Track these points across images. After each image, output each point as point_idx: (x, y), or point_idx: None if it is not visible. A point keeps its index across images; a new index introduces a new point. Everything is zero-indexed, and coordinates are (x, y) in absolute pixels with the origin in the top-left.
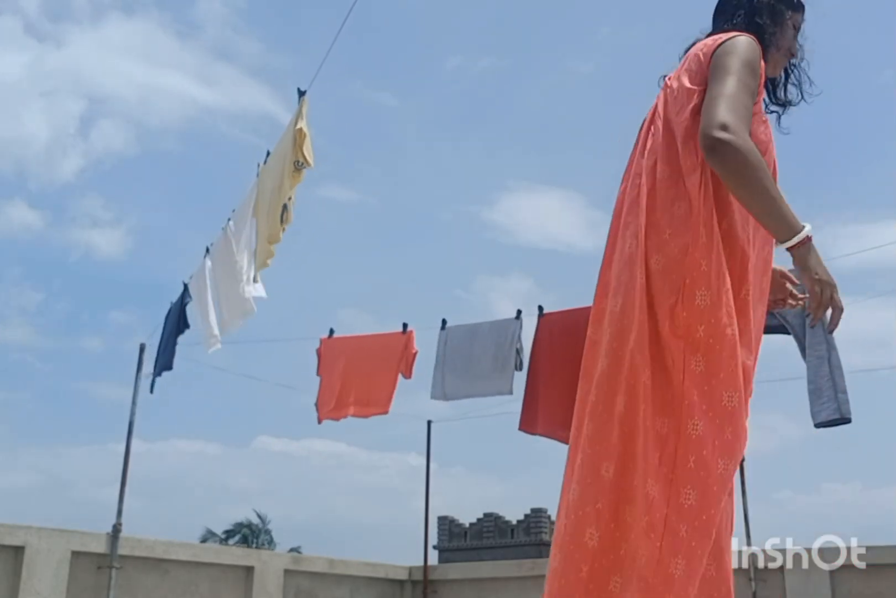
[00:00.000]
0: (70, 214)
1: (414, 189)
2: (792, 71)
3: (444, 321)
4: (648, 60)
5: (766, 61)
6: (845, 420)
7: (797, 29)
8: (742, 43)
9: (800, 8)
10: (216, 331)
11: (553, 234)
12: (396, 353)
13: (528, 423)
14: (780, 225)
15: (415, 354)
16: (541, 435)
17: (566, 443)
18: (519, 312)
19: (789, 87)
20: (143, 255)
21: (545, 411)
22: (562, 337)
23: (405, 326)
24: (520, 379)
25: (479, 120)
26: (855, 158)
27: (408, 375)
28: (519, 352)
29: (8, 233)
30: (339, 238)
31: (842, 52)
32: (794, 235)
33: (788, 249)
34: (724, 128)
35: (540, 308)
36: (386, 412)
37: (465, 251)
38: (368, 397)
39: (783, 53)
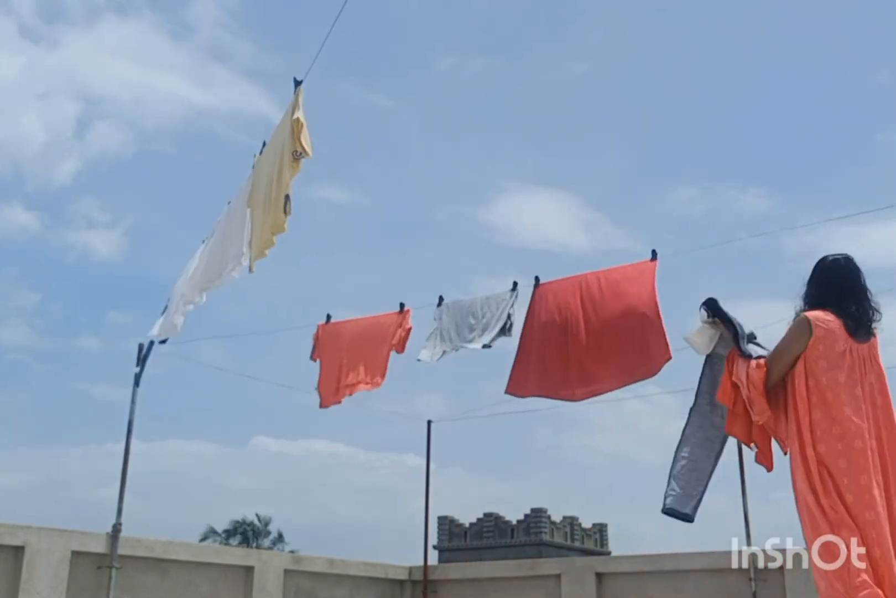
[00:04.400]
0: (66, 215)
1: (408, 190)
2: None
3: (440, 298)
4: (642, 62)
5: None
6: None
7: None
8: None
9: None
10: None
11: (548, 234)
12: (391, 329)
13: (518, 387)
14: None
15: (409, 329)
16: (533, 395)
17: (559, 398)
18: (515, 283)
19: None
20: (140, 255)
21: (538, 374)
22: (556, 302)
23: (402, 305)
24: (509, 350)
25: (473, 120)
26: (850, 158)
27: (400, 350)
28: (510, 316)
29: (5, 234)
30: (335, 239)
31: (839, 54)
32: None
33: None
34: None
35: (536, 279)
36: (378, 386)
37: (461, 252)
38: (362, 374)
39: None
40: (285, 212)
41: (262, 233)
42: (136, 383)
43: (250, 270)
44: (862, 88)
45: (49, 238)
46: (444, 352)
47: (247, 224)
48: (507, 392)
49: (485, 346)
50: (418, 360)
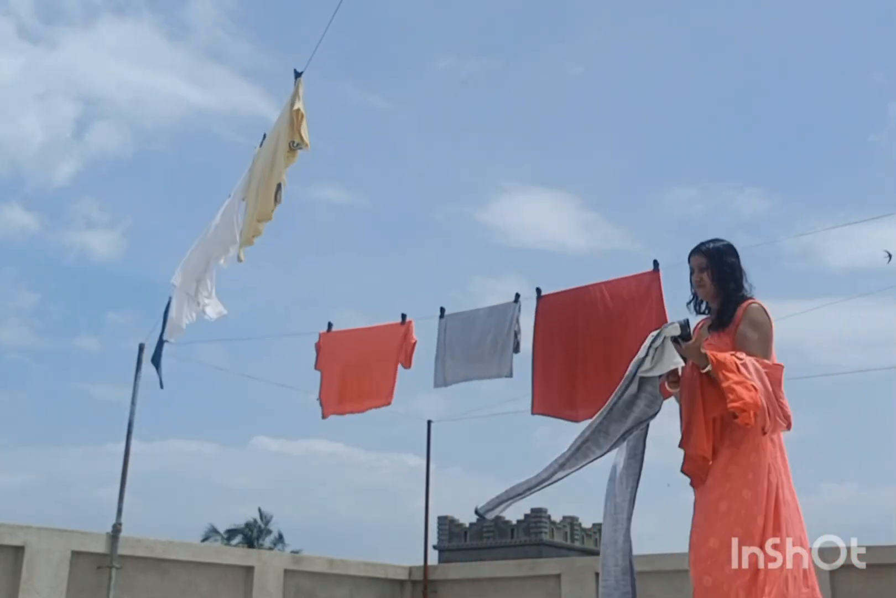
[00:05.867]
0: (66, 216)
1: (408, 190)
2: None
3: (442, 310)
4: (640, 62)
5: None
6: None
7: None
8: None
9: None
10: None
11: (546, 234)
12: (396, 343)
13: (545, 405)
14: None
15: (414, 343)
16: (556, 416)
17: (562, 418)
18: (517, 295)
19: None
20: (139, 255)
21: (559, 392)
22: (561, 317)
23: (403, 316)
24: (522, 364)
25: (472, 121)
26: (847, 158)
27: (407, 365)
28: (517, 334)
29: (4, 235)
30: (334, 239)
31: (835, 55)
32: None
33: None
34: None
35: (538, 290)
36: (388, 404)
37: (460, 252)
38: (370, 389)
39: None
40: (276, 200)
41: (251, 221)
42: (160, 384)
43: (239, 259)
44: (859, 89)
45: (48, 238)
46: (458, 382)
47: (241, 215)
48: (535, 413)
49: (506, 376)
50: (435, 386)
